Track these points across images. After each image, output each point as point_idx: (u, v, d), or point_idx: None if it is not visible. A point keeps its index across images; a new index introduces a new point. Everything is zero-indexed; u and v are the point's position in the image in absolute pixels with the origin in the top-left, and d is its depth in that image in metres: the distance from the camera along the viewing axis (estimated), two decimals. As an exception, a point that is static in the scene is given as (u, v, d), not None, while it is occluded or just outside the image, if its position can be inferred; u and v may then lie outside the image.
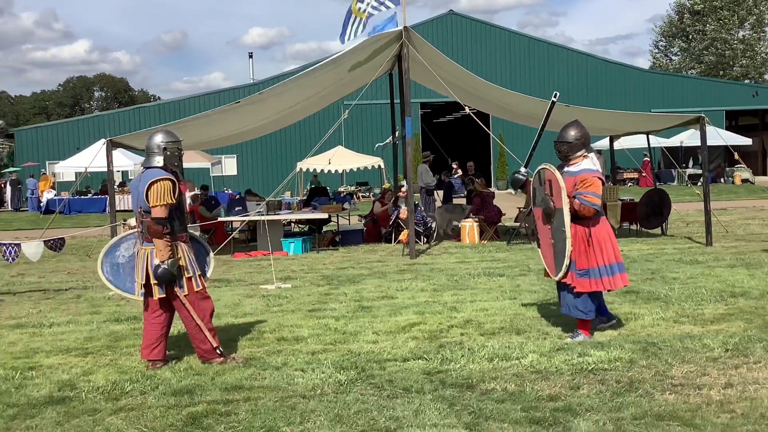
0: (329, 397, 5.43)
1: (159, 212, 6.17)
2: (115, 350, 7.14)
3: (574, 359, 6.20)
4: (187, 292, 6.39)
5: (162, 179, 6.22)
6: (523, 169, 7.38)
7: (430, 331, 7.46)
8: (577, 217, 6.77)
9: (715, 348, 6.37)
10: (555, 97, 7.66)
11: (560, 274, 6.84)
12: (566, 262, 6.72)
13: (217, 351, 6.45)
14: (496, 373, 5.94)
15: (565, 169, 6.98)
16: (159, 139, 6.48)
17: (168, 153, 6.44)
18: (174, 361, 6.60)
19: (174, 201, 6.26)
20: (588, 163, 6.93)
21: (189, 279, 6.40)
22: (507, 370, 6.02)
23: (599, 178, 6.83)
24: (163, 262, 6.20)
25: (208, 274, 6.99)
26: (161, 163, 6.41)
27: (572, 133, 6.97)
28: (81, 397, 5.65)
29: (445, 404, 5.19)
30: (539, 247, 7.33)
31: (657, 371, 5.81)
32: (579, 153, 6.97)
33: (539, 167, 7.11)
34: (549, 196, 6.88)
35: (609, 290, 7.04)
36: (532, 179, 7.28)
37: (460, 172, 18.40)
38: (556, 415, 4.90)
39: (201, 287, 6.50)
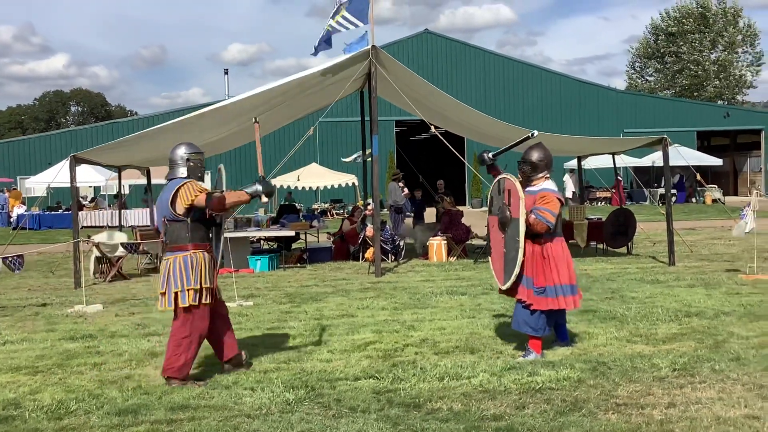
0: (274, 417, 5.42)
1: (202, 200, 6.26)
2: (66, 369, 7.07)
3: (523, 378, 6.23)
4: (193, 303, 6.31)
5: (185, 182, 6.36)
6: (491, 154, 7.41)
7: (385, 350, 7.46)
8: (535, 235, 6.85)
9: (663, 368, 6.43)
10: (532, 135, 7.72)
11: (508, 283, 6.95)
12: (516, 271, 6.82)
13: (183, 374, 6.35)
14: (444, 392, 5.95)
15: (527, 189, 7.07)
16: (182, 151, 6.56)
17: (191, 164, 6.54)
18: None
19: (207, 189, 6.38)
20: (549, 184, 7.08)
21: (197, 291, 6.35)
22: (456, 389, 6.03)
23: (558, 199, 6.94)
24: (254, 191, 6.38)
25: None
26: (185, 174, 6.50)
27: (536, 155, 7.11)
28: (24, 416, 5.59)
29: (389, 424, 5.20)
30: (490, 255, 7.40)
31: (603, 391, 5.85)
32: (541, 174, 7.10)
33: (500, 176, 7.22)
34: (507, 205, 6.97)
35: (565, 309, 7.07)
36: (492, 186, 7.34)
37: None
38: (497, 435, 4.92)
39: (209, 301, 6.43)
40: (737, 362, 6.56)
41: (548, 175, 7.11)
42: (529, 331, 6.92)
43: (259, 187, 6.45)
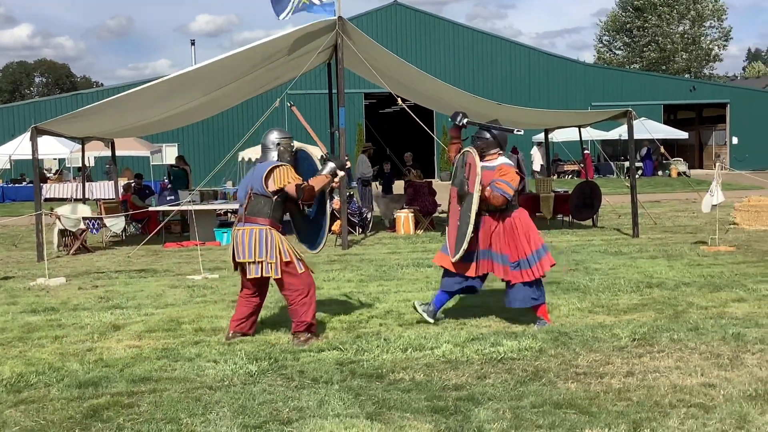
0: (236, 388, 5.41)
1: (292, 189, 6.57)
2: (27, 342, 7.00)
3: (486, 349, 6.28)
4: (289, 271, 6.64)
5: (281, 165, 6.64)
6: (465, 120, 7.30)
7: (349, 322, 7.49)
8: (498, 209, 6.92)
9: (623, 337, 6.51)
10: (517, 131, 7.65)
11: (457, 256, 6.97)
12: (464, 246, 6.86)
13: (312, 328, 6.73)
14: (407, 363, 5.98)
15: (483, 165, 7.07)
16: (274, 136, 6.83)
17: (281, 148, 6.81)
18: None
19: (300, 180, 6.64)
20: (504, 159, 7.15)
21: (288, 263, 6.65)
22: (419, 360, 6.06)
23: (516, 173, 7.02)
24: (331, 170, 6.83)
25: (319, 249, 7.41)
26: (275, 158, 6.77)
27: (490, 131, 7.13)
28: (-18, 389, 5.53)
29: (351, 394, 5.22)
30: (448, 226, 7.38)
31: (563, 360, 5.92)
32: (494, 151, 7.13)
33: (464, 149, 7.22)
34: (466, 179, 6.99)
35: (542, 276, 7.05)
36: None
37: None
38: (458, 404, 4.96)
39: (304, 269, 6.78)
40: (695, 332, 6.66)
41: (501, 152, 7.16)
42: (533, 303, 6.99)
43: (333, 164, 6.89)
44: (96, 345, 6.82)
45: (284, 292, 6.77)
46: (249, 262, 6.59)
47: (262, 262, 6.55)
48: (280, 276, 6.61)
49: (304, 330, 6.68)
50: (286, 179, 6.58)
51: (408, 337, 6.75)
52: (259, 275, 6.61)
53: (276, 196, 6.63)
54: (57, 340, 7.01)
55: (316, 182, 6.73)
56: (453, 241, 7.14)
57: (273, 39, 13.72)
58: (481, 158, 7.05)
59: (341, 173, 6.97)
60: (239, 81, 15.11)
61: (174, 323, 7.60)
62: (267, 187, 6.59)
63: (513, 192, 6.90)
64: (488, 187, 6.83)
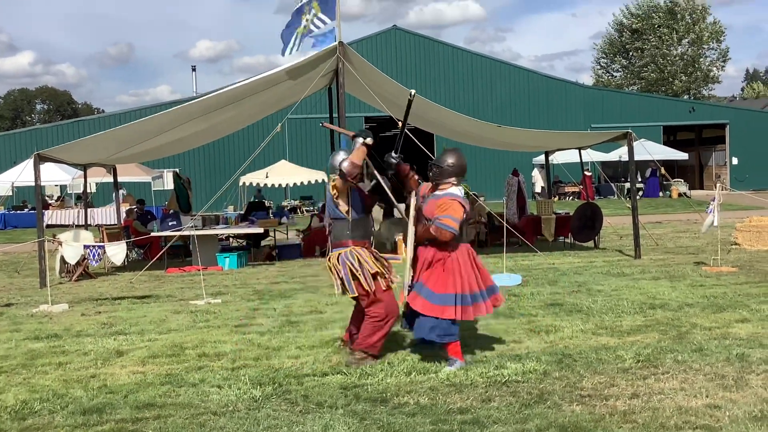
0: (240, 414, 5.41)
1: (340, 181, 6.77)
2: (30, 369, 7.00)
3: (490, 372, 6.27)
4: (375, 288, 6.75)
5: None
6: (394, 154, 7.22)
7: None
8: (437, 242, 6.64)
9: (628, 359, 6.51)
10: (411, 96, 7.60)
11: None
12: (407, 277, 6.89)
13: (372, 350, 6.77)
14: (411, 386, 5.98)
15: (434, 193, 6.90)
16: (340, 156, 7.00)
17: None
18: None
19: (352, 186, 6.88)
20: (454, 190, 6.83)
21: (375, 276, 6.79)
22: (423, 383, 6.06)
23: (461, 204, 6.66)
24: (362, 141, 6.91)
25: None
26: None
27: (448, 160, 6.92)
28: (-13, 417, 5.52)
29: (356, 419, 5.21)
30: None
31: (568, 382, 5.91)
32: (448, 180, 6.88)
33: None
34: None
35: (463, 320, 6.61)
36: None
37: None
38: (463, 428, 4.96)
39: (386, 287, 6.91)
40: (700, 353, 6.66)
41: (456, 182, 6.87)
42: (445, 340, 6.51)
43: (360, 138, 6.97)
44: (100, 371, 6.82)
45: (366, 309, 6.89)
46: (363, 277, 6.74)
47: (342, 279, 6.76)
48: (365, 293, 6.75)
49: (364, 348, 6.76)
50: (333, 181, 6.83)
51: (412, 360, 6.75)
52: (354, 293, 6.77)
53: (350, 215, 6.83)
54: (61, 367, 7.01)
55: (354, 156, 6.82)
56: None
57: (275, 72, 13.84)
58: (436, 186, 6.89)
59: (369, 140, 7.00)
60: (240, 108, 15.20)
61: (177, 348, 7.60)
62: (338, 207, 6.84)
63: (457, 225, 6.52)
64: (433, 225, 6.55)
